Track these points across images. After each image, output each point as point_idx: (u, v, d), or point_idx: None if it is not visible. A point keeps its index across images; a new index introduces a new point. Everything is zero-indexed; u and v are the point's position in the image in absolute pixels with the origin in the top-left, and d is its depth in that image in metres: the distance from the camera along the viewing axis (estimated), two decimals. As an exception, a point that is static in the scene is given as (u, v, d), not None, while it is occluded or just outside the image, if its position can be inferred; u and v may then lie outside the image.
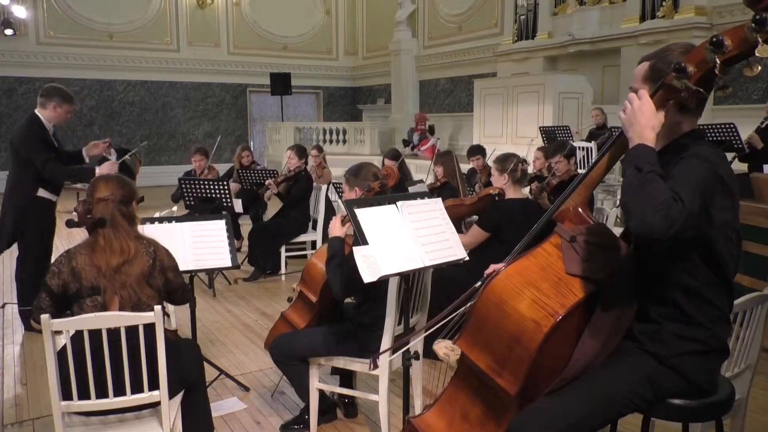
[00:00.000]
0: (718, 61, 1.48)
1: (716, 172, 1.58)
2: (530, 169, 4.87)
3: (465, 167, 6.12)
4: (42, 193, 4.19)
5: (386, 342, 2.61)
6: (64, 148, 4.39)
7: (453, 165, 5.42)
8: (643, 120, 1.58)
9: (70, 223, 2.21)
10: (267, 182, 6.00)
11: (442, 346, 1.93)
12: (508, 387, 1.67)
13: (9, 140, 4.22)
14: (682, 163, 1.60)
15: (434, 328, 1.99)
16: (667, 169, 1.58)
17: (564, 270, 1.70)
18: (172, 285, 2.41)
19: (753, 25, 1.41)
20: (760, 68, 1.48)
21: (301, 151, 5.95)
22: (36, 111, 4.18)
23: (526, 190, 4.36)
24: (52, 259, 2.30)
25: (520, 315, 1.66)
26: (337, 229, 2.68)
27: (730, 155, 5.72)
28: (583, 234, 1.74)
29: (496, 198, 3.84)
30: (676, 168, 1.58)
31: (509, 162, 3.70)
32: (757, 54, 1.43)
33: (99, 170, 4.18)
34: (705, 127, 6.05)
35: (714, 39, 1.47)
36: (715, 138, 5.89)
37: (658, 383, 1.68)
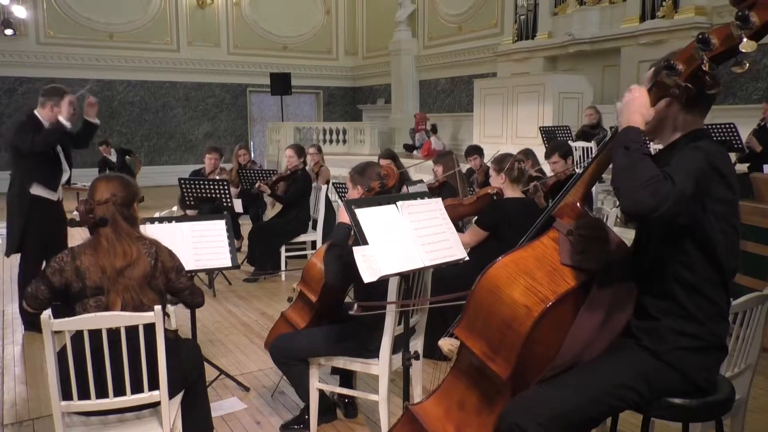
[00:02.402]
0: (706, 58, 1.52)
1: (713, 163, 1.60)
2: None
3: (464, 167, 6.12)
4: (37, 190, 4.16)
5: (386, 342, 2.61)
6: (68, 150, 4.36)
7: (453, 165, 5.43)
8: (633, 107, 1.64)
9: (72, 223, 2.23)
10: (257, 185, 5.98)
11: (447, 343, 1.96)
12: (500, 371, 1.71)
13: (4, 138, 4.18)
14: (679, 154, 1.63)
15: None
16: (666, 161, 1.62)
17: (559, 261, 1.75)
18: (176, 286, 2.41)
19: (737, 22, 1.45)
20: (748, 65, 1.52)
21: (299, 150, 5.97)
22: (35, 110, 4.18)
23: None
24: None
25: (513, 301, 1.70)
26: (343, 215, 2.67)
27: (732, 157, 5.73)
28: (579, 228, 1.78)
29: (495, 197, 3.84)
30: (673, 158, 1.62)
31: (506, 162, 3.71)
32: (741, 50, 1.47)
33: (61, 117, 4.08)
34: (705, 127, 6.05)
35: (701, 36, 1.52)
36: (715, 138, 5.90)
37: (654, 380, 1.69)
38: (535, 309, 1.66)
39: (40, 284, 2.23)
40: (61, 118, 4.10)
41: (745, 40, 1.45)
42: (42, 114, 4.15)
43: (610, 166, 1.72)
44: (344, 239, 2.59)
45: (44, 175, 4.19)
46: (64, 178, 4.38)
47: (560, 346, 1.69)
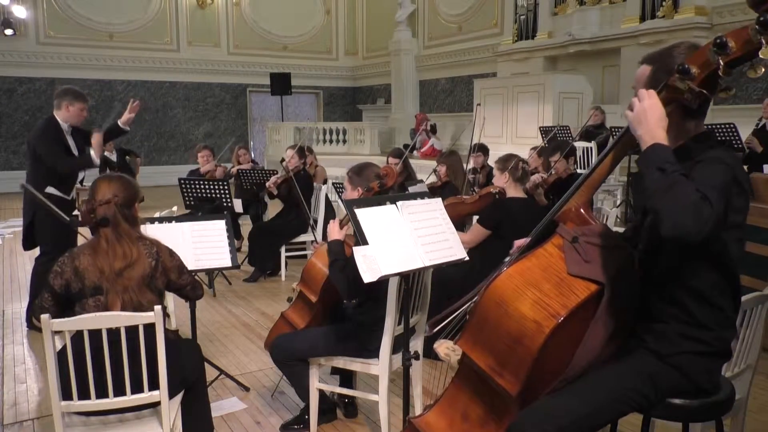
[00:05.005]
0: (722, 63, 1.47)
1: (735, 176, 1.57)
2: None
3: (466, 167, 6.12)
4: (51, 190, 4.26)
5: (386, 342, 2.61)
6: (84, 144, 4.48)
7: (457, 165, 5.43)
8: (653, 119, 1.55)
9: (73, 223, 2.23)
10: (267, 184, 6.01)
11: (443, 347, 1.93)
12: (509, 387, 1.67)
13: (26, 139, 4.33)
14: (701, 167, 1.58)
15: (447, 321, 1.98)
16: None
17: (566, 271, 1.69)
18: (177, 285, 2.42)
19: (757, 26, 1.40)
20: (764, 70, 1.47)
21: (300, 151, 5.98)
22: (53, 113, 4.31)
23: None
24: None
25: (522, 315, 1.65)
26: (335, 232, 2.70)
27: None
28: (585, 235, 1.73)
29: (497, 196, 3.84)
30: (695, 171, 1.56)
31: (510, 161, 3.72)
32: (761, 56, 1.42)
33: (93, 152, 4.28)
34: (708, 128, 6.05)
35: (718, 40, 1.46)
36: (716, 138, 5.89)
37: (660, 382, 1.68)
38: (546, 325, 1.60)
39: (44, 292, 2.23)
40: (93, 154, 4.29)
41: (765, 46, 1.40)
42: (59, 116, 4.29)
43: (614, 168, 1.70)
44: (341, 251, 2.60)
45: (60, 179, 4.30)
46: (78, 177, 4.51)
47: (571, 357, 1.66)
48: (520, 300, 1.67)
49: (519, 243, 1.97)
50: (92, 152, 4.29)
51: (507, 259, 1.94)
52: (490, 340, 1.72)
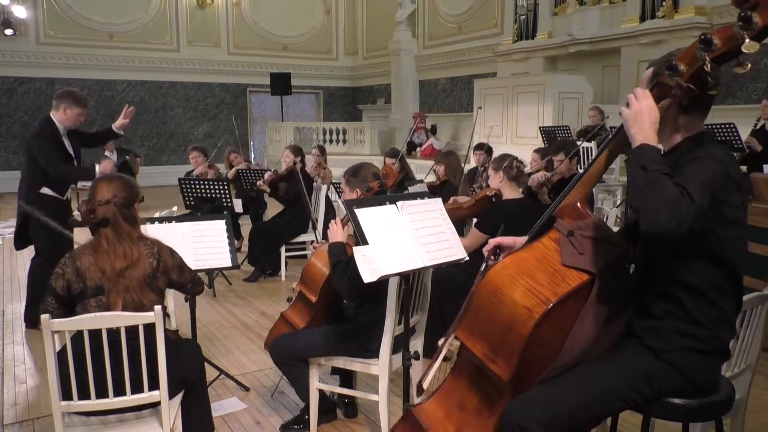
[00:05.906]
0: (708, 59, 1.52)
1: (728, 172, 1.59)
2: (527, 170, 4.88)
3: (466, 166, 6.13)
4: (45, 190, 4.26)
5: (386, 342, 2.61)
6: (78, 149, 4.47)
7: (455, 164, 5.43)
8: (648, 121, 1.59)
9: (73, 223, 2.24)
10: (258, 184, 6.03)
11: (448, 343, 1.96)
12: (501, 373, 1.70)
13: (23, 139, 4.32)
14: (693, 163, 1.61)
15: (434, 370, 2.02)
16: (676, 169, 1.60)
17: (560, 262, 1.73)
18: (179, 282, 2.44)
19: (739, 22, 1.45)
20: (750, 65, 1.51)
21: (296, 150, 5.98)
22: (50, 113, 4.29)
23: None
24: None
25: (514, 302, 1.69)
26: (338, 234, 2.69)
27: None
28: (580, 228, 1.76)
29: (493, 199, 3.82)
30: (687, 167, 1.59)
31: (504, 161, 3.70)
32: (743, 50, 1.47)
33: (99, 169, 4.26)
34: (706, 128, 6.04)
35: (703, 37, 1.51)
36: (715, 138, 5.88)
37: (656, 380, 1.69)
38: (536, 311, 1.65)
39: (47, 296, 2.24)
40: (97, 170, 4.27)
41: (747, 40, 1.45)
42: (56, 117, 4.26)
43: (611, 166, 1.71)
44: (342, 253, 2.60)
45: (54, 180, 4.28)
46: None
47: (561, 347, 1.68)
48: (513, 288, 1.71)
49: (494, 241, 2.03)
50: (97, 167, 4.28)
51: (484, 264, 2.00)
52: (484, 328, 1.77)
